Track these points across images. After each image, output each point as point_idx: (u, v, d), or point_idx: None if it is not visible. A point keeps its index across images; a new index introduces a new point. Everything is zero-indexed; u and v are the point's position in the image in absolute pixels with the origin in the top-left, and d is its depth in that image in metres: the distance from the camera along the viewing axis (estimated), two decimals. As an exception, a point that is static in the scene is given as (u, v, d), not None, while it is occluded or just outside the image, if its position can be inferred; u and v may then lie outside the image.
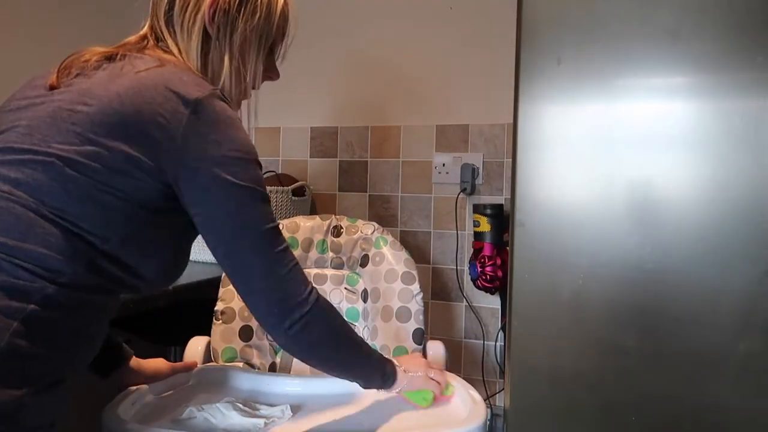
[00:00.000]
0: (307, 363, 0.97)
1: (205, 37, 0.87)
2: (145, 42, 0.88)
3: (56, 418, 0.75)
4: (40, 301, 0.69)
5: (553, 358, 1.02)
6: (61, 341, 0.73)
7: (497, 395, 1.84)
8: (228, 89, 0.88)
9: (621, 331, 0.99)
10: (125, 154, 0.74)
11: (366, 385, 1.00)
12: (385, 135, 1.96)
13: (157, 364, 1.09)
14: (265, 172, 1.98)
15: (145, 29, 0.90)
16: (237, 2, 0.88)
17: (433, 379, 1.07)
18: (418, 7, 1.91)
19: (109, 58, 0.83)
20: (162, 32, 0.87)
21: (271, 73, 1.00)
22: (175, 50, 0.86)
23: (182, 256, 0.87)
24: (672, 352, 0.96)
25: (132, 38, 0.89)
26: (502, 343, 1.80)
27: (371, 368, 0.99)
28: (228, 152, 0.78)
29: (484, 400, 1.05)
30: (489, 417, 1.79)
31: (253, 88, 0.96)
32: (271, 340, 1.33)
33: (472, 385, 1.13)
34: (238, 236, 0.81)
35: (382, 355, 1.01)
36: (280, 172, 2.02)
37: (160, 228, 0.80)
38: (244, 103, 0.98)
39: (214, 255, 0.82)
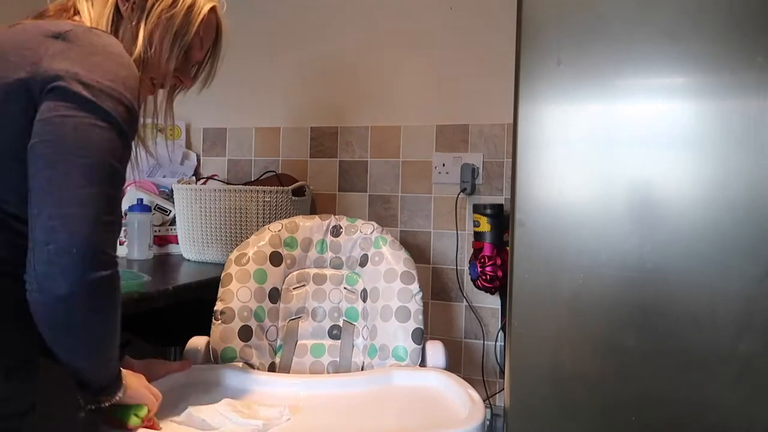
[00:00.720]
0: (59, 330, 0.74)
1: (117, 13, 0.86)
2: (63, 14, 0.87)
3: (35, 403, 0.73)
4: None
5: (553, 358, 1.02)
6: (13, 317, 0.71)
7: (497, 395, 1.84)
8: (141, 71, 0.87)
9: (621, 331, 0.98)
10: (10, 80, 0.72)
11: (95, 378, 0.82)
12: (385, 135, 1.96)
13: (151, 365, 1.08)
14: (265, 172, 1.98)
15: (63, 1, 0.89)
16: None
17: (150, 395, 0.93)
18: (418, 7, 1.91)
19: (37, 16, 0.83)
20: (77, 3, 0.86)
21: (182, 75, 0.98)
22: (87, 21, 0.85)
23: None
24: (672, 352, 0.96)
25: (51, 8, 0.88)
26: (502, 343, 1.80)
27: (113, 365, 0.83)
28: (99, 80, 0.74)
29: (484, 400, 1.05)
30: (489, 417, 1.79)
31: (161, 86, 0.95)
32: (271, 340, 1.33)
33: (472, 385, 1.14)
34: (74, 154, 0.71)
35: None
36: (280, 172, 2.02)
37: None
38: (150, 99, 0.97)
39: (30, 167, 0.72)
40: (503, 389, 1.23)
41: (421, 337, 1.30)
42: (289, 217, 1.53)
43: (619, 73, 0.99)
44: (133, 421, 0.88)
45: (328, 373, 1.32)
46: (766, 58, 0.91)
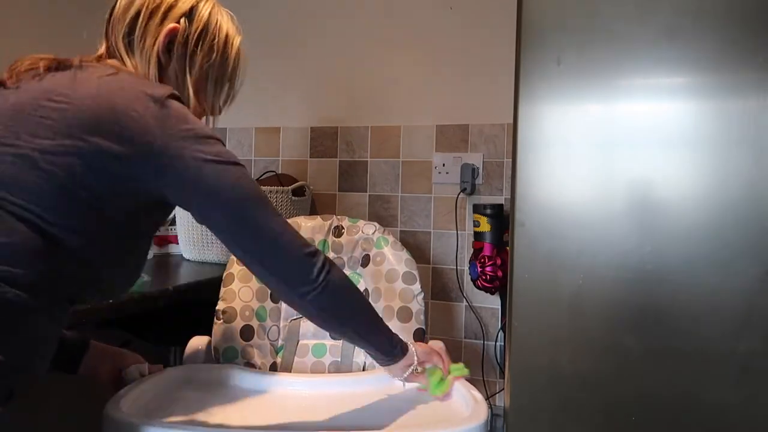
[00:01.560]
0: (336, 321, 0.96)
1: (159, 66, 0.89)
2: (103, 62, 0.89)
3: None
4: None
5: (553, 358, 1.02)
6: (14, 349, 0.70)
7: (497, 395, 1.84)
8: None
9: (621, 331, 0.99)
10: (102, 148, 0.73)
11: (388, 345, 1.02)
12: (385, 135, 1.96)
13: (122, 354, 1.09)
14: (265, 172, 1.99)
15: (101, 51, 0.91)
16: (195, 38, 0.91)
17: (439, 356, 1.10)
18: (418, 7, 1.91)
19: (59, 64, 0.82)
20: (120, 53, 0.88)
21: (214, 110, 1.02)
22: (132, 69, 0.88)
23: (141, 263, 0.88)
24: (672, 352, 0.96)
25: (92, 57, 0.90)
26: (502, 343, 1.80)
27: (386, 327, 1.02)
28: (201, 135, 0.80)
29: (485, 400, 1.05)
30: (489, 417, 1.79)
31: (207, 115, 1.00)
32: (273, 339, 1.33)
33: (472, 385, 1.14)
34: (245, 204, 0.82)
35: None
36: (280, 172, 2.02)
37: (126, 230, 0.80)
38: None
39: (224, 234, 0.85)
40: (503, 389, 1.23)
41: (422, 337, 1.30)
42: (290, 217, 1.53)
43: (619, 73, 0.99)
44: (436, 392, 1.07)
45: (330, 373, 1.32)
46: (767, 58, 0.91)
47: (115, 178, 0.75)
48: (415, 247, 1.90)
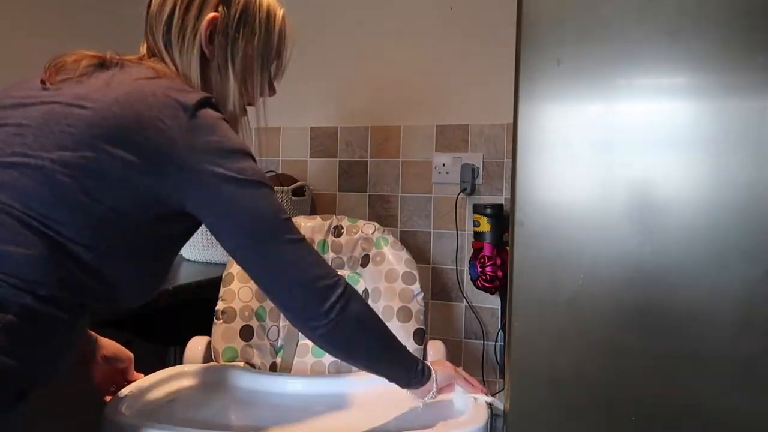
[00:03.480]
0: (347, 355, 0.92)
1: (203, 58, 0.87)
2: (143, 61, 0.87)
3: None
4: (17, 313, 0.66)
5: (553, 358, 1.02)
6: (31, 356, 0.70)
7: (497, 395, 1.84)
8: (232, 108, 0.90)
9: (621, 331, 0.98)
10: (124, 159, 0.72)
11: (404, 376, 0.97)
12: (385, 135, 1.96)
13: (120, 349, 1.06)
14: (265, 172, 1.98)
15: (142, 50, 0.89)
16: (235, 24, 0.88)
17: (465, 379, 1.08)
18: (418, 7, 1.91)
19: (102, 63, 0.81)
20: (161, 53, 0.87)
21: (269, 90, 0.99)
22: (173, 69, 0.85)
23: (162, 274, 0.86)
24: (672, 352, 0.96)
25: (133, 57, 0.88)
26: (502, 343, 1.80)
27: (405, 357, 0.97)
28: (227, 149, 0.77)
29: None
30: (489, 417, 1.79)
31: (251, 104, 0.97)
32: (272, 339, 1.33)
33: (473, 385, 1.14)
34: (257, 230, 0.79)
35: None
36: (280, 172, 2.02)
37: (145, 243, 0.79)
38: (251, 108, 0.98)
39: (234, 257, 0.82)
40: (503, 389, 1.23)
41: (422, 337, 1.30)
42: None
43: (619, 73, 0.98)
44: None
45: (330, 373, 1.32)
46: (767, 59, 0.91)
47: (134, 191, 0.74)
48: (415, 247, 1.90)
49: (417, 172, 1.92)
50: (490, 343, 1.85)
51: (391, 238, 1.41)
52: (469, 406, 1.03)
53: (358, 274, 1.41)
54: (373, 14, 1.96)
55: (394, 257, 1.37)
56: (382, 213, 1.96)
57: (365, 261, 1.40)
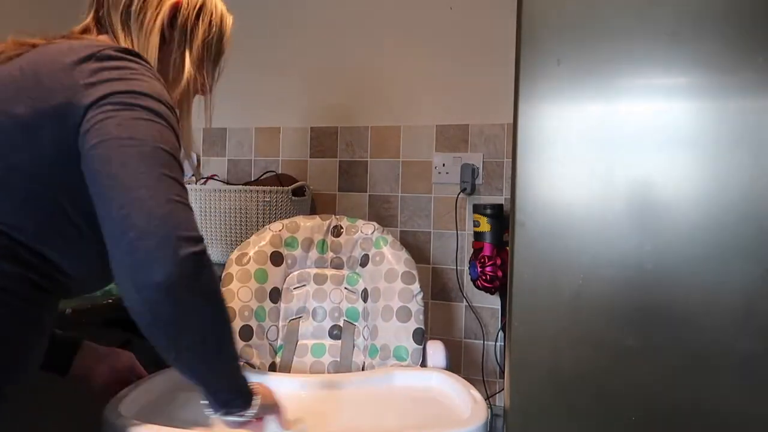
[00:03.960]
0: (174, 330, 0.70)
1: (162, 39, 0.87)
2: (86, 35, 0.86)
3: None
4: None
5: (553, 358, 1.02)
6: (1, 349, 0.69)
7: (497, 395, 1.84)
8: (184, 93, 0.90)
9: (621, 331, 0.98)
10: (25, 116, 0.69)
11: (225, 394, 0.80)
12: (385, 135, 1.96)
13: (117, 353, 1.05)
14: (265, 172, 1.99)
15: (87, 22, 0.88)
16: (195, 12, 0.90)
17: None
18: (418, 7, 1.91)
19: (30, 47, 0.79)
20: (114, 29, 0.85)
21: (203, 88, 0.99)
22: (126, 45, 0.84)
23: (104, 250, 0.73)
24: (672, 352, 0.96)
25: (74, 29, 0.87)
26: (502, 343, 1.80)
27: (237, 372, 0.81)
28: (137, 88, 0.72)
29: (485, 400, 1.05)
30: (489, 417, 1.79)
31: (202, 93, 0.97)
32: (272, 339, 1.33)
33: (472, 385, 1.14)
34: (125, 146, 0.68)
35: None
36: (280, 172, 2.02)
37: (75, 213, 0.73)
38: (197, 102, 0.98)
39: (88, 179, 0.70)
40: (503, 389, 1.23)
41: (422, 337, 1.30)
42: (289, 217, 1.53)
43: (619, 73, 0.98)
44: None
45: (329, 373, 1.32)
46: (767, 58, 0.91)
47: (41, 148, 0.70)
48: (415, 247, 1.90)
49: (417, 172, 1.92)
50: (490, 343, 1.85)
51: (390, 237, 1.41)
52: (469, 405, 1.02)
53: (358, 274, 1.41)
54: (372, 14, 1.96)
55: (393, 257, 1.37)
56: (382, 213, 1.96)
57: (365, 261, 1.40)
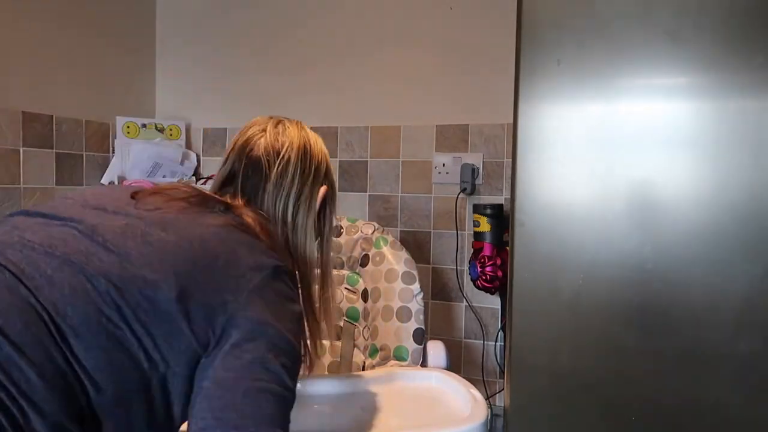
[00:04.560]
0: None
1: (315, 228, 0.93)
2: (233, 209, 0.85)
3: None
4: None
5: (553, 358, 1.02)
6: None
7: (497, 395, 1.84)
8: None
9: (621, 331, 0.99)
10: (182, 299, 0.67)
11: None
12: (385, 135, 1.96)
13: None
14: (265, 172, 1.99)
15: (239, 199, 0.89)
16: (331, 197, 0.99)
17: None
18: (418, 7, 1.91)
19: (202, 201, 0.81)
20: (274, 214, 0.89)
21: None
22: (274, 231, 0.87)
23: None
24: (672, 352, 0.96)
25: (219, 203, 0.85)
26: (502, 343, 1.80)
27: None
28: (282, 329, 0.72)
29: (485, 400, 1.05)
30: (489, 417, 1.79)
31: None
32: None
33: (472, 384, 1.14)
34: (245, 423, 0.66)
35: None
36: (280, 172, 2.02)
37: (159, 397, 0.70)
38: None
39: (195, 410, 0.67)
40: (503, 389, 1.23)
41: (422, 337, 1.30)
42: (290, 217, 1.53)
43: (619, 73, 0.99)
44: None
45: (329, 373, 1.32)
46: (766, 58, 0.91)
47: (178, 339, 0.68)
48: (415, 247, 1.90)
49: (417, 172, 1.92)
50: (490, 343, 1.85)
51: (390, 238, 1.41)
52: (469, 405, 1.02)
53: (358, 274, 1.41)
54: (373, 14, 1.96)
55: (393, 257, 1.37)
56: (382, 213, 1.96)
57: (365, 261, 1.40)
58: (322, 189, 0.95)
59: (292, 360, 0.73)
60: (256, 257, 0.75)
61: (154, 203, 0.77)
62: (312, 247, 0.92)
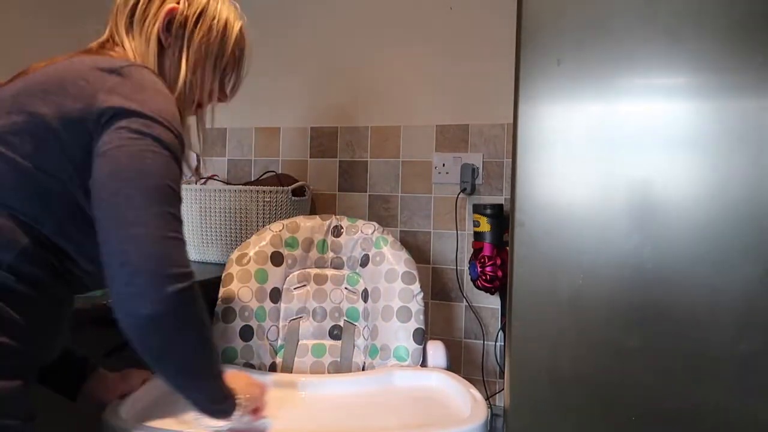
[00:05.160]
0: (154, 354, 0.77)
1: (160, 45, 0.91)
2: (105, 48, 0.92)
3: (25, 418, 0.74)
4: None
5: (553, 358, 1.02)
6: (18, 333, 0.73)
7: (497, 395, 1.84)
8: (181, 99, 0.92)
9: (621, 331, 0.99)
10: (50, 117, 0.75)
11: (206, 401, 0.85)
12: (385, 135, 1.96)
13: (128, 375, 1.06)
14: (265, 172, 1.98)
15: (106, 34, 0.94)
16: (194, 17, 0.93)
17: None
18: (418, 7, 1.91)
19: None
20: (121, 38, 0.91)
21: (219, 95, 1.02)
22: (131, 54, 0.89)
23: None
24: (672, 352, 0.96)
25: (93, 45, 0.93)
26: (502, 343, 1.80)
27: (219, 385, 0.85)
28: (150, 112, 0.77)
29: (485, 400, 1.05)
30: (489, 417, 1.79)
31: (200, 106, 0.99)
32: (272, 340, 1.33)
33: (472, 384, 1.14)
34: (132, 180, 0.73)
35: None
36: (280, 172, 2.02)
37: (90, 211, 0.76)
38: (192, 118, 1.01)
39: (94, 201, 0.75)
40: (503, 389, 1.23)
41: (422, 337, 1.30)
42: (290, 217, 1.53)
43: (619, 73, 0.99)
44: None
45: (329, 373, 1.32)
46: (766, 59, 0.91)
47: (62, 152, 0.76)
48: (415, 247, 1.90)
49: (417, 172, 1.92)
50: (490, 343, 1.85)
51: (390, 238, 1.41)
52: (469, 405, 1.02)
53: (358, 274, 1.41)
54: (372, 14, 1.96)
55: (393, 257, 1.37)
56: (382, 213, 1.96)
57: (365, 261, 1.40)
58: (168, 6, 0.91)
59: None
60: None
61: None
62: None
